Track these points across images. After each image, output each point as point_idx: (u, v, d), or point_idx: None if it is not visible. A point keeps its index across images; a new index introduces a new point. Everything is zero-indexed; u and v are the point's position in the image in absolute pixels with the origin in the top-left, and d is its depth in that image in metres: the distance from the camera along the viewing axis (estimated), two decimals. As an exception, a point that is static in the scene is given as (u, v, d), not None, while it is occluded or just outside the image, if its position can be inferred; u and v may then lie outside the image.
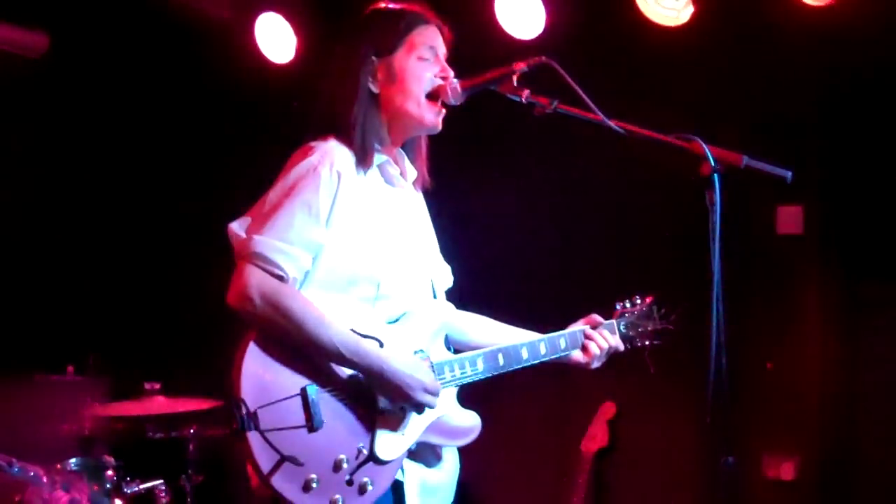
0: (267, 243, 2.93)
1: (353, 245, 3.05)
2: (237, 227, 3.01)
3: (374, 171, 3.17)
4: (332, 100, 3.18)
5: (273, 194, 3.03)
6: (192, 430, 5.51)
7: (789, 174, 2.99)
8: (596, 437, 5.51)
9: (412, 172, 3.33)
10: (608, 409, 5.56)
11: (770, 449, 5.26)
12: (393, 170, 3.24)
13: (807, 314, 5.27)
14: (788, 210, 5.25)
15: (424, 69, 3.18)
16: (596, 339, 3.49)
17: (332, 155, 3.06)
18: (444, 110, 3.21)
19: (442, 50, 3.23)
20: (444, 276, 3.40)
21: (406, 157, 3.33)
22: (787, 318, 5.25)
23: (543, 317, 3.55)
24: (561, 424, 5.72)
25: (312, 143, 3.10)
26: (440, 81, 3.18)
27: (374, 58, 3.16)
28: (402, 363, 3.02)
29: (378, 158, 3.17)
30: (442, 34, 3.25)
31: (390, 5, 3.26)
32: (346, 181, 3.04)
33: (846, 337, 5.21)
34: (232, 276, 2.96)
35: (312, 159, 3.04)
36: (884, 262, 5.10)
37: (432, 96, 3.18)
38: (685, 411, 5.16)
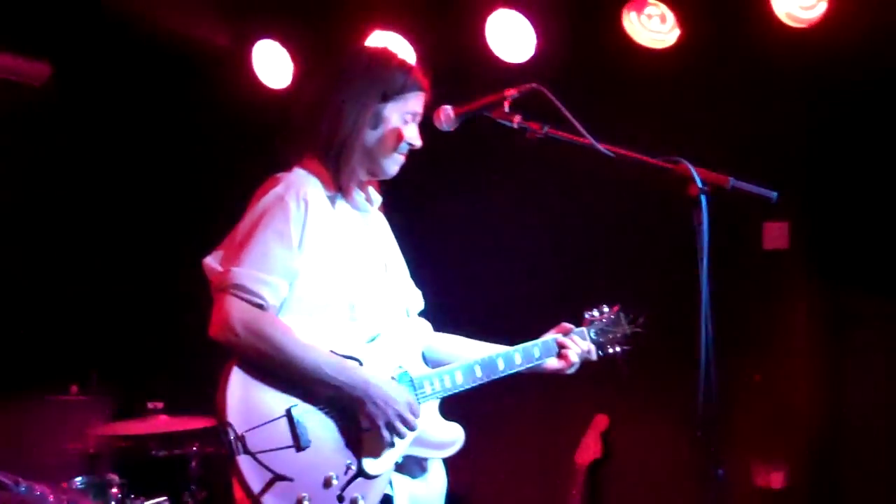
0: (246, 274, 2.96)
1: (326, 269, 3.09)
2: (212, 261, 3.04)
3: (341, 199, 3.21)
4: (329, 122, 3.19)
5: (243, 226, 3.06)
6: (194, 448, 5.52)
7: (775, 195, 3.03)
8: (589, 448, 5.51)
9: (377, 198, 3.37)
10: (601, 422, 5.57)
11: (759, 458, 5.27)
12: (359, 196, 3.28)
13: (793, 327, 5.28)
14: (775, 226, 5.26)
15: (406, 130, 3.22)
16: (570, 345, 3.52)
17: (298, 184, 3.10)
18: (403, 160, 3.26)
19: (419, 117, 3.27)
20: (416, 298, 3.43)
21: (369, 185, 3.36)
22: (774, 332, 5.27)
23: (520, 329, 3.56)
24: (554, 437, 5.73)
25: (278, 175, 3.14)
26: (412, 143, 3.23)
27: (379, 101, 3.19)
28: (382, 381, 3.05)
29: (348, 184, 3.20)
30: (424, 101, 3.29)
31: (403, 60, 3.29)
32: (314, 208, 3.08)
33: (831, 349, 5.21)
34: (212, 309, 2.98)
35: (278, 189, 3.08)
36: (867, 276, 5.11)
37: (399, 152, 3.24)
38: (676, 423, 5.15)
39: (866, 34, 4.84)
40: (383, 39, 5.75)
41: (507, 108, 3.21)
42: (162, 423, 5.42)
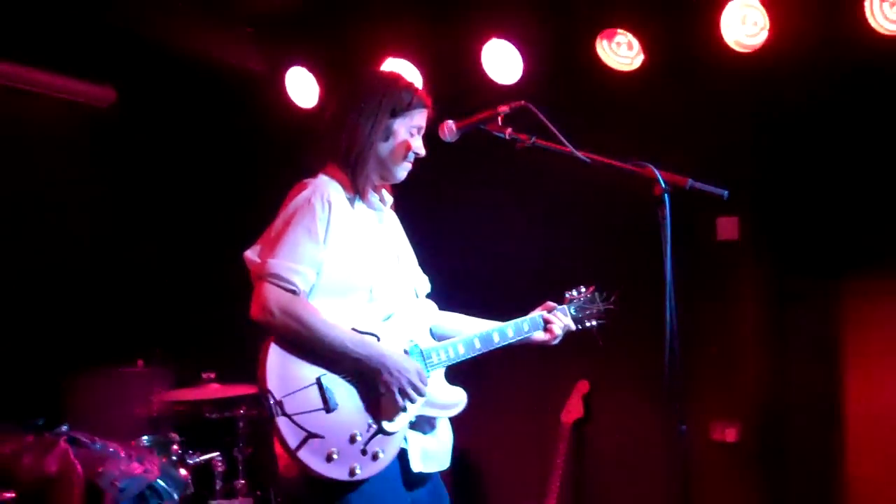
0: (280, 264, 2.96)
1: (348, 259, 3.08)
2: (251, 254, 3.04)
3: (358, 200, 3.20)
4: (347, 135, 3.18)
5: (277, 224, 3.06)
6: (241, 411, 5.53)
7: (726, 193, 3.02)
8: (573, 409, 5.51)
9: (389, 198, 3.36)
10: (583, 386, 5.56)
11: (716, 417, 5.26)
12: (374, 197, 3.27)
13: (743, 306, 5.27)
14: (726, 220, 5.24)
15: (413, 141, 3.22)
16: (554, 320, 3.53)
17: (322, 188, 3.10)
18: (410, 167, 3.27)
19: (424, 130, 3.27)
20: (423, 283, 3.42)
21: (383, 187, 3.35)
22: (727, 310, 5.25)
23: (511, 307, 3.55)
24: (543, 399, 5.71)
25: (305, 181, 3.14)
26: (418, 153, 3.23)
27: (389, 116, 3.18)
28: (396, 353, 3.06)
29: (364, 188, 3.20)
30: (428, 116, 3.28)
31: (409, 82, 3.28)
32: (336, 208, 3.08)
33: (775, 323, 5.21)
34: (252, 294, 2.99)
35: (306, 193, 3.08)
36: (804, 261, 5.10)
37: (408, 160, 3.24)
38: (646, 387, 5.16)
39: (800, 57, 4.85)
40: (395, 65, 5.75)
41: (499, 122, 3.22)
42: (214, 391, 5.43)
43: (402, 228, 3.43)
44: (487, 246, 5.78)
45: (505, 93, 5.45)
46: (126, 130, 6.52)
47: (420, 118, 3.24)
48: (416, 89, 3.25)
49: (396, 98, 3.20)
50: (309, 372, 2.94)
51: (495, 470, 5.94)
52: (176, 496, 4.78)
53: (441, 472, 3.26)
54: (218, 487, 5.30)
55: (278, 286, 2.95)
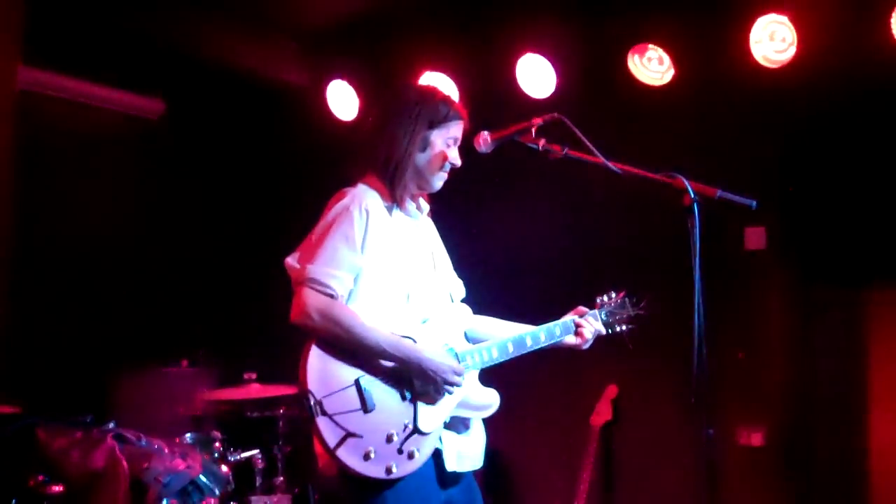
0: (319, 270, 2.97)
1: (385, 265, 3.09)
2: (292, 260, 3.05)
3: (396, 209, 3.20)
4: (385, 145, 3.18)
5: (316, 231, 3.06)
6: (281, 411, 5.53)
7: (754, 203, 2.99)
8: (602, 413, 5.47)
9: (425, 206, 3.36)
10: (612, 391, 5.52)
11: (742, 421, 5.21)
12: (411, 206, 3.27)
13: (770, 313, 5.24)
14: (754, 230, 5.21)
15: (449, 152, 3.21)
16: (585, 325, 3.49)
17: (360, 197, 3.10)
18: (446, 177, 3.26)
19: (459, 141, 3.26)
20: (458, 287, 3.41)
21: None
22: (754, 317, 5.22)
23: (543, 312, 3.54)
24: (573, 403, 5.69)
25: (345, 189, 3.15)
26: (454, 163, 3.22)
27: (426, 128, 3.18)
28: (434, 354, 3.06)
29: (402, 196, 3.20)
30: (464, 128, 3.28)
31: (446, 95, 3.28)
32: (374, 216, 3.08)
33: (802, 330, 5.16)
34: (292, 299, 2.99)
35: (345, 201, 3.08)
36: (831, 270, 5.06)
37: (444, 170, 3.23)
38: (674, 392, 5.13)
39: (827, 72, 4.83)
40: (432, 79, 5.75)
41: (533, 134, 3.20)
42: (255, 391, 5.44)
43: (438, 235, 3.43)
44: (520, 252, 5.76)
45: (538, 106, 5.45)
46: (174, 141, 6.58)
47: (456, 130, 3.24)
48: (453, 102, 3.25)
49: (434, 110, 3.20)
50: (348, 373, 2.95)
51: (525, 471, 5.92)
52: (217, 492, 4.80)
53: (474, 472, 3.25)
54: (258, 484, 5.31)
55: (317, 291, 2.96)
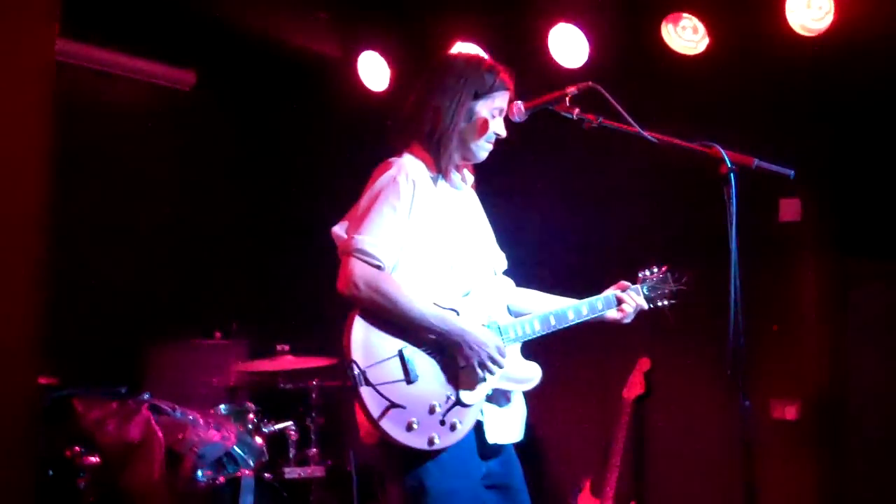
0: (366, 240, 2.96)
1: (430, 236, 3.08)
2: (339, 230, 3.05)
3: (441, 179, 3.18)
4: (431, 116, 3.16)
5: (363, 201, 3.05)
6: (314, 382, 5.56)
7: (792, 172, 2.95)
8: (635, 386, 5.44)
9: (470, 178, 3.34)
10: (645, 363, 5.49)
11: (776, 395, 5.18)
12: (456, 177, 3.25)
13: (805, 285, 5.18)
14: (788, 202, 5.15)
15: (494, 123, 3.19)
16: (627, 299, 3.46)
17: (407, 167, 3.08)
18: (491, 148, 3.23)
19: (504, 112, 3.23)
20: (501, 260, 3.40)
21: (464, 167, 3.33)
22: (789, 289, 5.17)
23: (586, 286, 3.52)
24: (606, 376, 5.67)
25: (390, 160, 3.13)
26: (499, 134, 3.20)
27: (472, 98, 3.15)
28: (476, 328, 3.05)
29: (447, 167, 3.18)
30: (509, 99, 3.24)
31: (493, 63, 3.24)
32: (420, 187, 3.06)
33: (836, 303, 5.11)
34: (339, 268, 2.98)
35: (392, 171, 3.07)
36: (868, 242, 4.99)
37: (488, 141, 3.20)
38: (708, 364, 5.12)
39: (865, 40, 4.74)
40: (464, 48, 5.71)
41: (567, 103, 3.16)
42: (288, 362, 5.47)
43: (481, 207, 3.40)
44: (564, 226, 5.74)
45: (571, 76, 5.40)
46: (206, 111, 6.60)
47: (501, 100, 3.21)
48: (499, 72, 3.21)
49: (479, 81, 3.17)
50: (391, 344, 2.96)
51: (559, 443, 5.91)
52: (252, 463, 4.84)
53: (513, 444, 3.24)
54: (291, 455, 5.34)
55: (364, 261, 2.95)
